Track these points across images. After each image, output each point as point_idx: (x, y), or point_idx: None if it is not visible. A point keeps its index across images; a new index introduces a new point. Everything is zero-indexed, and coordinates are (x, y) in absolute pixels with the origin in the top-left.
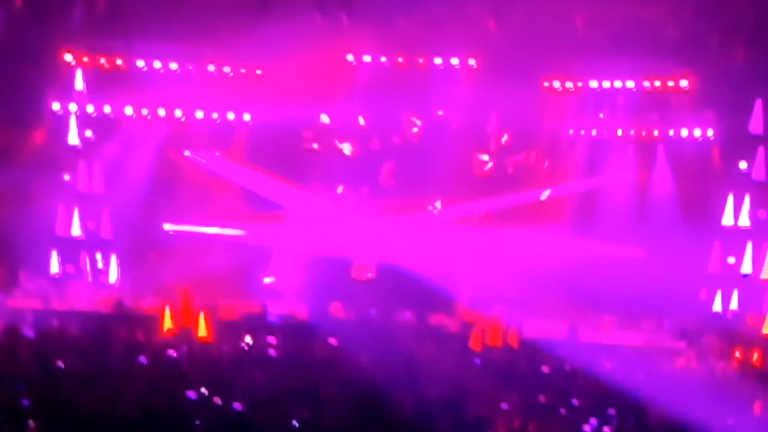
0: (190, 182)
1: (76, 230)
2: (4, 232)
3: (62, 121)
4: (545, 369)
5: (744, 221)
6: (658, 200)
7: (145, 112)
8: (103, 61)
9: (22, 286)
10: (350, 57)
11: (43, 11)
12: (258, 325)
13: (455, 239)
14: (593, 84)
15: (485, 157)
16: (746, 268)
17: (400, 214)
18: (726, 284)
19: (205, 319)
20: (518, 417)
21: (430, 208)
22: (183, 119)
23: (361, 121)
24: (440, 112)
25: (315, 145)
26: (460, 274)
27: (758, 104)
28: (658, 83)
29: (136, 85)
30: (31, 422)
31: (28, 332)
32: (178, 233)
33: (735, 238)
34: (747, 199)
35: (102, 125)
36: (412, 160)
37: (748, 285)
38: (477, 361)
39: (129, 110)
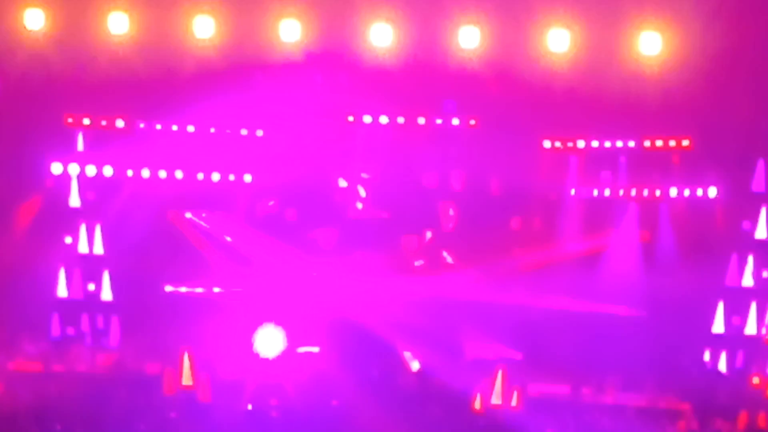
0: (191, 244)
1: (76, 292)
2: (4, 295)
3: (63, 182)
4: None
5: (747, 281)
6: (660, 260)
7: (146, 173)
8: (104, 122)
9: (23, 349)
10: (351, 118)
11: (43, 74)
12: (259, 386)
13: (458, 299)
14: (594, 143)
15: None
16: (750, 328)
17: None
18: (730, 345)
19: (207, 380)
20: None
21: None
22: (184, 180)
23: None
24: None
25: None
26: (463, 334)
27: (761, 163)
28: (659, 142)
29: (137, 147)
30: None
31: (28, 396)
32: (178, 295)
33: (739, 298)
34: (750, 258)
35: (103, 187)
36: (416, 227)
37: (753, 346)
38: (481, 422)
39: (130, 172)
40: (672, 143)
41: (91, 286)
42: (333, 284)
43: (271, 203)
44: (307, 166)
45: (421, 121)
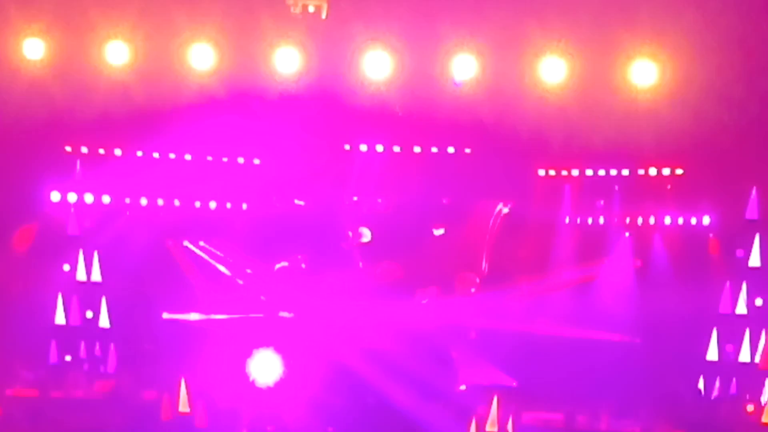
0: (189, 272)
1: (74, 319)
2: (2, 322)
3: (61, 210)
4: None
5: (741, 309)
6: (654, 287)
7: (143, 201)
8: (102, 151)
9: (20, 375)
10: (347, 146)
11: (42, 102)
12: (256, 413)
13: (451, 326)
14: (588, 172)
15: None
16: (744, 355)
17: (397, 303)
18: (724, 372)
19: (204, 407)
20: None
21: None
22: (181, 209)
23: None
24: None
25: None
26: (457, 361)
27: (754, 191)
28: (653, 171)
29: (134, 175)
30: None
31: (25, 422)
32: (176, 322)
33: (733, 325)
34: (744, 286)
35: (101, 215)
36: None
37: (747, 373)
38: None
39: (128, 200)
40: (666, 171)
41: (89, 313)
42: (330, 312)
43: (285, 264)
44: (309, 202)
45: (417, 149)
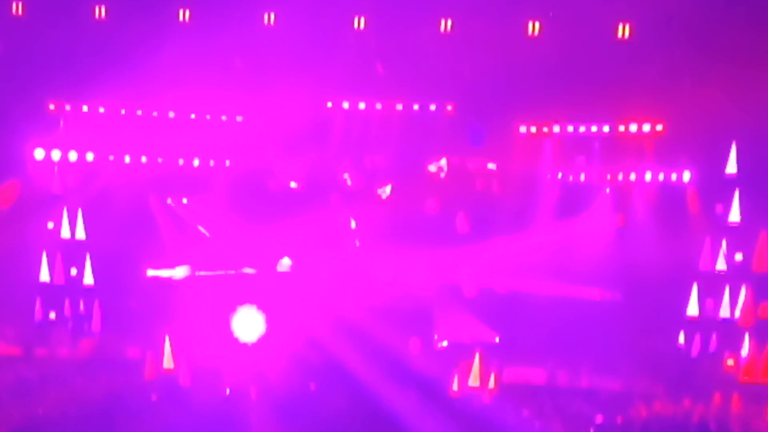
0: (172, 228)
1: (58, 277)
2: None
3: (45, 168)
4: (525, 413)
5: (721, 265)
6: (634, 244)
7: (127, 159)
8: (85, 108)
9: (4, 333)
10: (329, 104)
11: (25, 61)
12: (238, 373)
13: (436, 284)
14: (569, 128)
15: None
16: (724, 311)
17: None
18: (704, 328)
19: (188, 365)
20: None
21: None
22: (164, 166)
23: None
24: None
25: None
26: (441, 319)
27: (733, 147)
28: (633, 127)
29: (118, 133)
30: None
31: (10, 379)
32: (160, 279)
33: (712, 281)
34: (724, 242)
35: (84, 172)
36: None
37: (726, 329)
38: (458, 404)
39: (111, 157)
40: (646, 128)
41: (73, 271)
42: (312, 270)
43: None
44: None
45: (399, 107)
